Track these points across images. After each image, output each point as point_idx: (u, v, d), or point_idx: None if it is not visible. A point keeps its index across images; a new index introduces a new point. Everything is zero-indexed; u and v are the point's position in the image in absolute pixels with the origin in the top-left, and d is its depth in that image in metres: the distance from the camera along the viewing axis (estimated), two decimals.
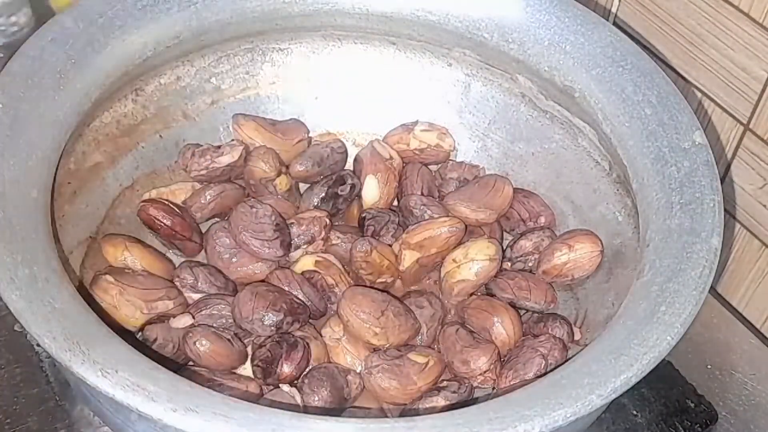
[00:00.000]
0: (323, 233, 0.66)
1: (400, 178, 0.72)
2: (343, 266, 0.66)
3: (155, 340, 0.58)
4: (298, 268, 0.65)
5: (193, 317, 0.60)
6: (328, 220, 0.67)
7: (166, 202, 0.66)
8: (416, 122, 0.73)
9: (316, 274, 0.64)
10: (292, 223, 0.66)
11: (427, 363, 0.60)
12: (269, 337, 0.60)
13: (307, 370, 0.60)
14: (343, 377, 0.60)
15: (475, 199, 0.68)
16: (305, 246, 0.66)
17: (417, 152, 0.73)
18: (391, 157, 0.71)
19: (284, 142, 0.71)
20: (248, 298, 0.60)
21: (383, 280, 0.65)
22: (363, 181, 0.71)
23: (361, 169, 0.71)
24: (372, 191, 0.71)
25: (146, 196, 0.67)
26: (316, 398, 0.58)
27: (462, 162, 0.73)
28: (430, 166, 0.73)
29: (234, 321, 0.60)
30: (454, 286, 0.65)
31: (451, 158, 0.74)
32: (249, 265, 0.65)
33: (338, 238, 0.67)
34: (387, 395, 0.59)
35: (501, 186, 0.69)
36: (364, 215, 0.68)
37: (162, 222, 0.64)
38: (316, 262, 0.65)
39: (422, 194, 0.70)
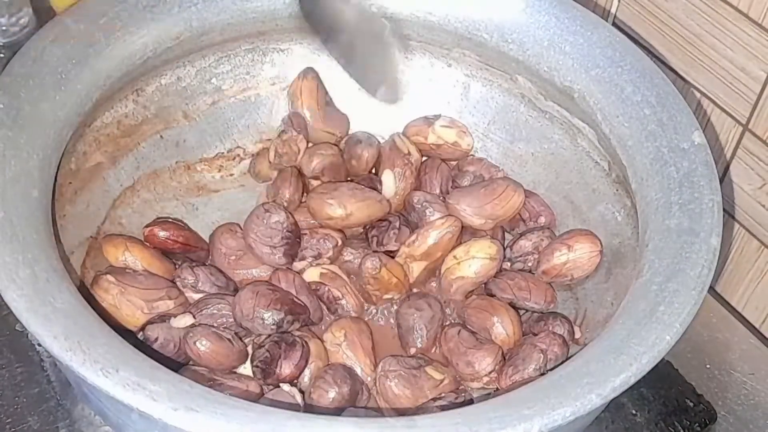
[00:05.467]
0: (331, 252, 0.66)
1: (418, 173, 0.71)
2: (348, 278, 0.65)
3: (156, 339, 0.59)
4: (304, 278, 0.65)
5: (194, 317, 0.60)
6: (340, 241, 0.66)
7: (167, 220, 0.66)
8: (438, 116, 0.73)
9: (323, 286, 0.64)
10: (306, 233, 0.66)
11: (442, 380, 0.60)
12: (269, 336, 0.60)
13: (328, 365, 0.60)
14: (359, 383, 0.60)
15: (476, 203, 0.67)
16: (311, 259, 0.66)
17: (434, 147, 0.72)
18: (410, 153, 0.71)
19: (323, 130, 0.72)
20: (249, 296, 0.60)
21: (390, 296, 0.65)
22: (380, 175, 0.71)
23: (379, 163, 0.72)
24: (388, 186, 0.70)
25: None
26: (334, 392, 0.58)
27: (483, 159, 0.73)
28: (449, 163, 0.73)
29: (234, 319, 0.61)
30: (452, 282, 0.65)
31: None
32: (251, 268, 0.65)
33: (351, 254, 0.67)
34: (396, 401, 0.59)
35: (510, 194, 0.67)
36: (367, 227, 0.68)
37: (176, 240, 0.64)
38: (321, 274, 0.65)
39: (440, 191, 0.70)
